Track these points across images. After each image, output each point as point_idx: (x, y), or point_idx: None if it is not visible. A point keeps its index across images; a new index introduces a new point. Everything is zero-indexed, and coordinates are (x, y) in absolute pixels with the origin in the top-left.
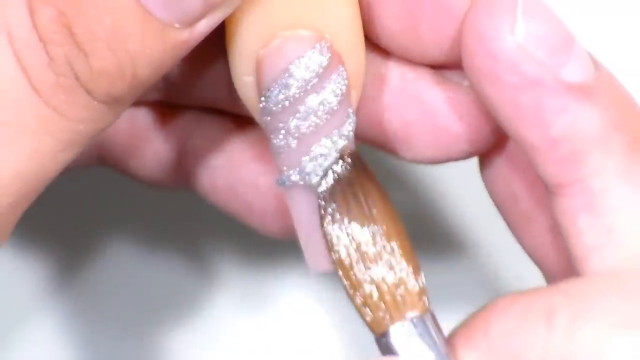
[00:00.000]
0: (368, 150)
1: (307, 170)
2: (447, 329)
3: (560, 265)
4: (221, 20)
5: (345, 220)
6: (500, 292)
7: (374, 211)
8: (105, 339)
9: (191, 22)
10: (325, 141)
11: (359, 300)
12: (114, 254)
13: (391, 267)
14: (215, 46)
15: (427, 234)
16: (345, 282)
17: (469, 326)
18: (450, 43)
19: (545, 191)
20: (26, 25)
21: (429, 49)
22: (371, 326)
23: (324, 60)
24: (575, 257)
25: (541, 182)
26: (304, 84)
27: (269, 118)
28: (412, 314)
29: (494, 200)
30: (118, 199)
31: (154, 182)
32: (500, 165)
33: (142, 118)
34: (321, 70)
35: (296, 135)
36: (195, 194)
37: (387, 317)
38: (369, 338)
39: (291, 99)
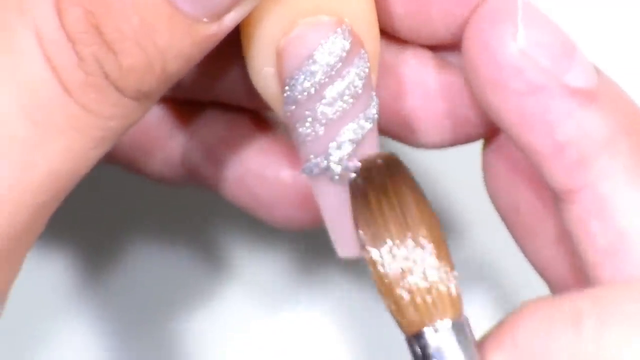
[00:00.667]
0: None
1: (334, 157)
2: None
3: (566, 276)
4: (248, 13)
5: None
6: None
7: (409, 220)
8: (123, 332)
9: (219, 16)
10: (352, 125)
11: (391, 300)
12: (127, 250)
13: (424, 272)
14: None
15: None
16: (378, 282)
17: (498, 331)
18: (460, 23)
19: (549, 202)
20: (54, 26)
21: (439, 30)
22: (403, 327)
23: (347, 44)
24: (588, 263)
25: (545, 192)
26: (328, 69)
27: (294, 107)
28: (445, 318)
29: (498, 212)
30: (127, 196)
31: (163, 178)
32: (504, 177)
33: (151, 115)
34: (344, 54)
35: (323, 121)
36: (204, 189)
37: (420, 320)
38: (379, 332)
39: (317, 85)
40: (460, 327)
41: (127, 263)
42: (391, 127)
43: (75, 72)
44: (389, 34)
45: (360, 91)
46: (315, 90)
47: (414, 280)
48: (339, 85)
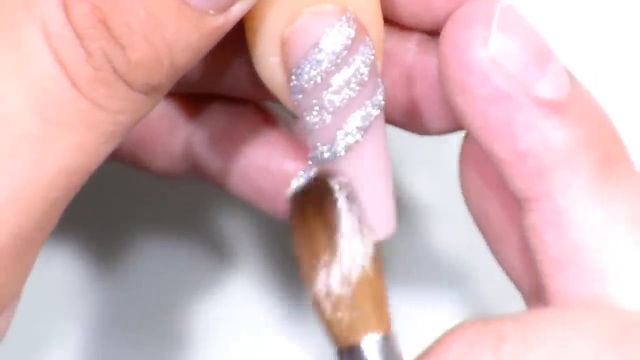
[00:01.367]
0: None
1: (341, 144)
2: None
3: (533, 287)
4: (254, 3)
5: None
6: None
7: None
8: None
9: (225, 8)
10: (360, 112)
11: (321, 314)
12: (130, 245)
13: (355, 293)
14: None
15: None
16: (310, 295)
17: (428, 352)
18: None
19: (516, 211)
20: (62, 22)
21: (441, 17)
22: (333, 340)
23: (352, 32)
24: (541, 274)
25: (513, 202)
26: (334, 57)
27: (300, 96)
28: (374, 333)
29: (473, 219)
30: (130, 191)
31: (166, 173)
32: (475, 182)
33: (154, 109)
34: (349, 42)
35: (331, 109)
36: (208, 183)
37: (348, 334)
38: None
39: (323, 74)
40: (387, 343)
41: (130, 258)
42: (395, 115)
43: (84, 68)
44: (391, 21)
45: (366, 78)
46: (322, 78)
47: (344, 292)
48: (345, 73)
